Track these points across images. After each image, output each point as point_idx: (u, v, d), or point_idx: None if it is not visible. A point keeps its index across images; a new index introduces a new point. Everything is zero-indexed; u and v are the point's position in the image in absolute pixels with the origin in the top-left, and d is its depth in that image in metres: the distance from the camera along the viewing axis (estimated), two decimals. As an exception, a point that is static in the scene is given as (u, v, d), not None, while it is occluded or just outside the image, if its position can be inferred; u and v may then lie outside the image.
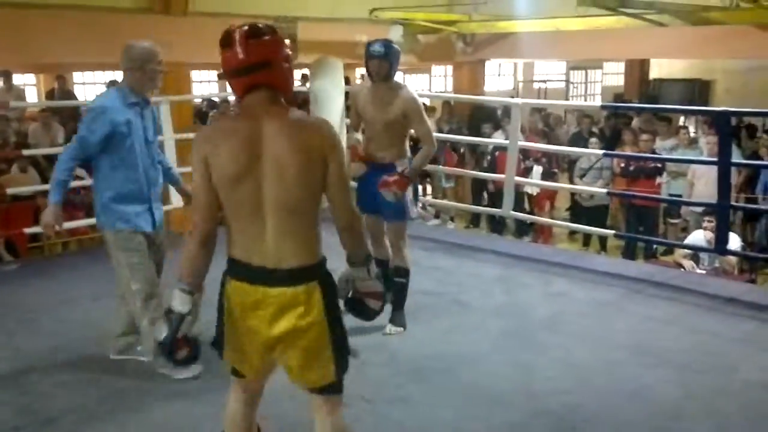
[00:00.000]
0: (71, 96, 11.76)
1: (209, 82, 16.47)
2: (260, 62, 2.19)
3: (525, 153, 9.41)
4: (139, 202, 3.66)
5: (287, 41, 2.34)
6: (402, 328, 4.30)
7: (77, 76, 14.28)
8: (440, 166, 9.03)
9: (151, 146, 3.71)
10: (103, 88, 4.63)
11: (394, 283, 4.29)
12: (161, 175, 3.82)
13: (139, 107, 3.62)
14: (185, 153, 7.62)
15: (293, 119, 2.25)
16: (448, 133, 9.76)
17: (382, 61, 4.08)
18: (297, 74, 13.20)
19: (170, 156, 6.36)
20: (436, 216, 11.00)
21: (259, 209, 2.21)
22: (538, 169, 9.26)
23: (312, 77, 7.11)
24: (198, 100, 12.51)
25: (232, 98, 12.07)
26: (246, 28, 2.20)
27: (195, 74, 14.34)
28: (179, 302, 2.27)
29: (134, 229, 3.64)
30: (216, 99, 12.10)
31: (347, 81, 7.74)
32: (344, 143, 4.41)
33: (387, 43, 4.14)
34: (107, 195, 3.61)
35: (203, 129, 2.48)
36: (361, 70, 16.35)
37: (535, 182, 8.68)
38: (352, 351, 2.45)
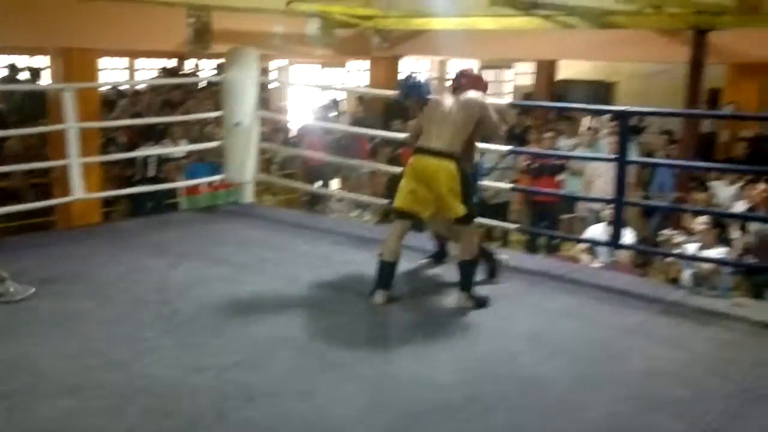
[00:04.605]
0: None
1: (116, 69, 15.96)
2: (464, 84, 4.76)
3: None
4: None
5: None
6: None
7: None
8: (353, 160, 9.07)
9: None
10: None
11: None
12: None
13: None
14: (90, 142, 7.37)
15: (462, 99, 4.62)
16: (361, 126, 9.78)
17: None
18: (212, 64, 12.99)
19: (73, 145, 6.14)
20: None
21: (443, 127, 4.54)
22: None
23: (226, 67, 7.05)
24: (105, 88, 12.10)
25: (141, 87, 11.81)
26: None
27: (103, 62, 13.86)
28: None
29: None
30: (123, 88, 11.76)
31: (263, 72, 7.67)
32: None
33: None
34: None
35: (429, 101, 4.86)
36: (278, 62, 16.17)
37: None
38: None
